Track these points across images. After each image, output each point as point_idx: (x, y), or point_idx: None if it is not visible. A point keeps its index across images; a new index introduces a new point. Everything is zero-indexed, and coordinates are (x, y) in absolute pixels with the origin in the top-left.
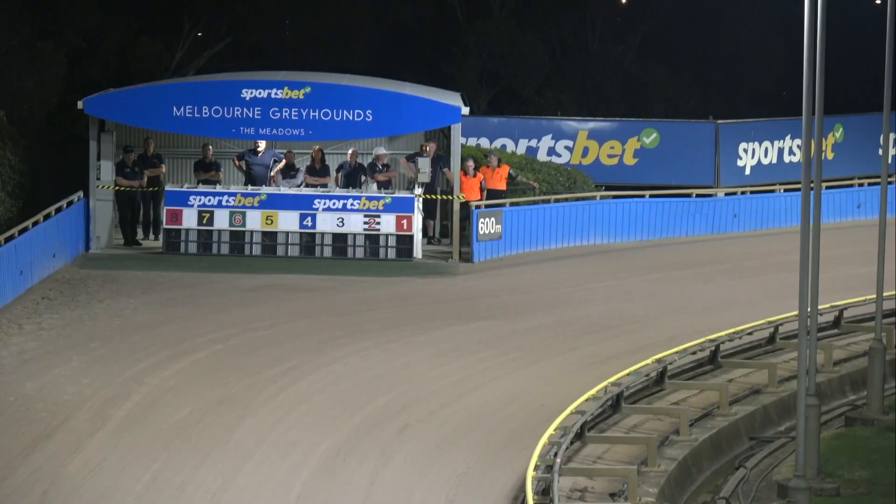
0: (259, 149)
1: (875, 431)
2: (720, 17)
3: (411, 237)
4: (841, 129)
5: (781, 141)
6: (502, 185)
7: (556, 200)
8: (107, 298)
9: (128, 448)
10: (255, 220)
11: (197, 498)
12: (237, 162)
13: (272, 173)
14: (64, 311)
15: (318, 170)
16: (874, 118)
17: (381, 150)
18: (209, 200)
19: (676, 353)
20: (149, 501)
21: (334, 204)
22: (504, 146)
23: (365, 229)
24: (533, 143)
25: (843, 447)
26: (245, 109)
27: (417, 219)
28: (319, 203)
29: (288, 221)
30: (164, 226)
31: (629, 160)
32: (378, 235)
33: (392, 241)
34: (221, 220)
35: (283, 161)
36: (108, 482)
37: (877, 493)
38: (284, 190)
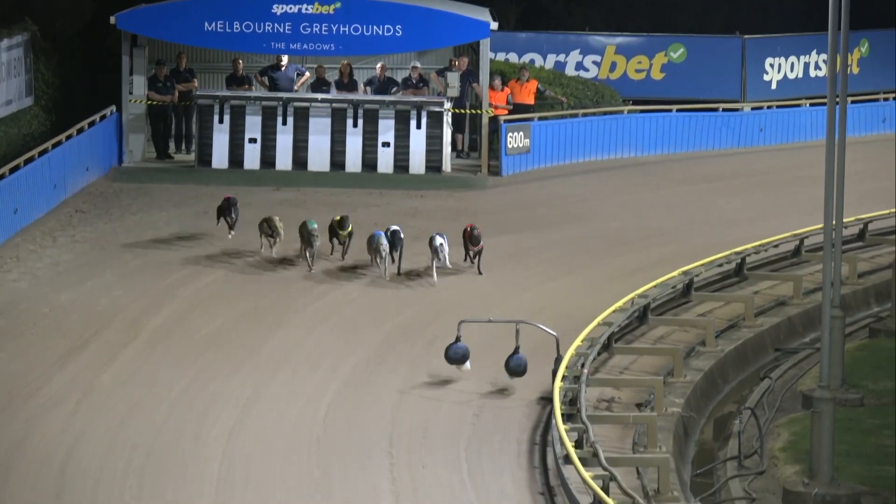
0: (282, 63)
1: None
2: None
3: (440, 150)
4: (867, 44)
5: (807, 56)
6: (531, 100)
7: (584, 114)
8: (139, 211)
9: (160, 358)
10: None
11: (229, 407)
12: (259, 78)
13: (296, 87)
14: (97, 223)
15: (346, 84)
16: None
17: (417, 63)
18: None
19: (703, 265)
20: (181, 410)
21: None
22: (532, 61)
23: (395, 142)
24: (561, 57)
25: (866, 358)
26: (275, 24)
27: (447, 132)
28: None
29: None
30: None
31: (656, 75)
32: (407, 148)
33: (421, 155)
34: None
35: (307, 75)
36: (142, 392)
37: None
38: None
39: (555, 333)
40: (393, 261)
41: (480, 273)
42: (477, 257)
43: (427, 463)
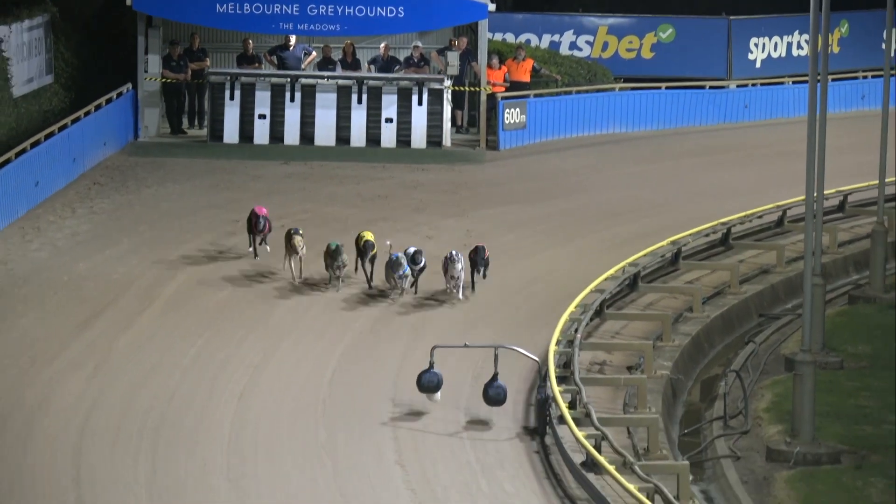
0: (290, 43)
1: (877, 309)
2: None
3: (441, 126)
4: (846, 25)
5: (790, 36)
6: (526, 78)
7: (578, 92)
8: (154, 184)
9: (174, 325)
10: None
11: (239, 372)
12: (268, 57)
13: (304, 65)
14: (114, 195)
15: (350, 63)
16: (878, 14)
17: (418, 43)
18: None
19: (690, 235)
20: (194, 375)
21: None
22: (528, 41)
23: (397, 118)
24: (555, 37)
25: (846, 324)
26: (284, 6)
27: (447, 109)
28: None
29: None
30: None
31: (646, 54)
32: (409, 123)
33: (422, 130)
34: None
35: (314, 54)
36: (156, 357)
37: (878, 367)
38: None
39: (536, 359)
40: (412, 285)
41: (484, 277)
42: (483, 269)
43: (428, 424)
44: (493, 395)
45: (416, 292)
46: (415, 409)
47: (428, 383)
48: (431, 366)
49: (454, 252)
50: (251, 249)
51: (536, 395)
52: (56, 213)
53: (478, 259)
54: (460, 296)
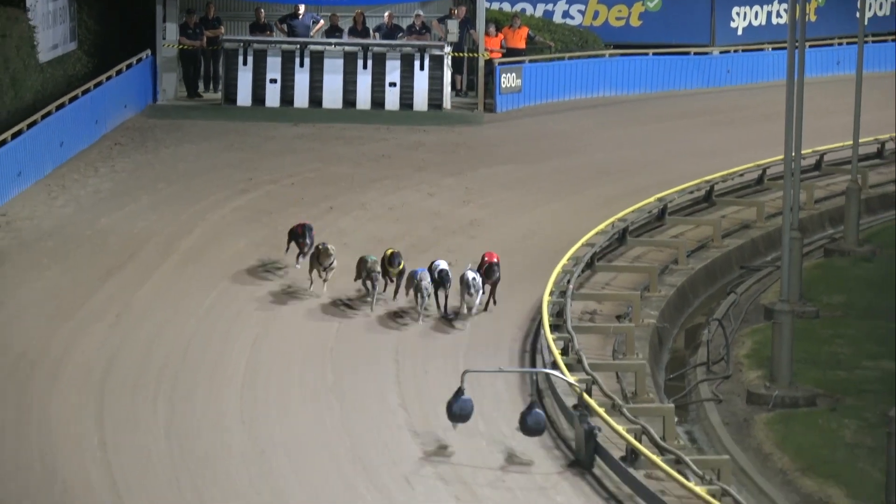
0: (299, 12)
1: (851, 261)
2: None
3: (441, 89)
4: None
5: (770, 5)
6: (522, 45)
7: (570, 58)
8: (172, 144)
9: (190, 277)
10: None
11: (251, 322)
12: (279, 25)
13: (312, 33)
14: (134, 155)
15: (359, 31)
16: None
17: (420, 12)
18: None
19: (676, 192)
20: (209, 324)
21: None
22: (523, 10)
23: (400, 82)
24: (549, 6)
25: (822, 275)
26: None
27: (447, 74)
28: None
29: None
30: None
31: (634, 22)
32: (412, 87)
33: (423, 93)
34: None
35: (322, 22)
36: (174, 307)
37: (852, 316)
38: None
39: (579, 386)
40: (437, 305)
41: (495, 303)
42: (492, 289)
43: (429, 369)
44: (533, 424)
45: (445, 314)
46: (416, 355)
47: (460, 412)
48: (462, 391)
49: (472, 277)
50: (298, 266)
51: (580, 424)
52: (80, 172)
53: (491, 277)
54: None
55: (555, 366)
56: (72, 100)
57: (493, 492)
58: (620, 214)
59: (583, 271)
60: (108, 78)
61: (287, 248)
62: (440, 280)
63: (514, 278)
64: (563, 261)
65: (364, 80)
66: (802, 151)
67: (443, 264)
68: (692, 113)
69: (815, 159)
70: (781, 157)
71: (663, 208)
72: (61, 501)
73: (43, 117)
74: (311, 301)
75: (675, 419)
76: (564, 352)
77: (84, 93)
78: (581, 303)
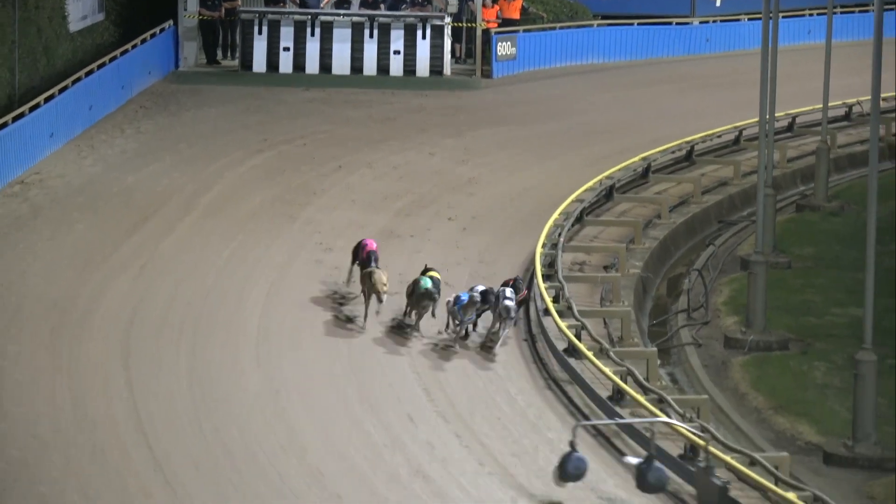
0: None
1: (820, 216)
2: None
3: (442, 57)
4: None
5: None
6: (517, 15)
7: (561, 27)
8: (192, 108)
9: (211, 230)
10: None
11: (267, 271)
12: None
13: (323, 4)
14: (158, 118)
15: (369, 3)
16: None
17: None
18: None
19: (659, 152)
20: (228, 274)
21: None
22: None
23: (404, 50)
24: None
25: (794, 229)
26: None
27: (447, 42)
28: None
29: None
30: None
31: None
32: (414, 55)
33: (425, 61)
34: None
35: None
36: (195, 258)
37: (821, 266)
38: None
39: (702, 435)
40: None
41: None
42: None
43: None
44: (654, 481)
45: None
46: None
47: (576, 471)
48: (574, 447)
49: (510, 304)
50: (346, 280)
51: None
52: (107, 133)
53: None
54: (496, 348)
55: (546, 312)
56: (100, 66)
57: (490, 429)
58: (607, 172)
59: (573, 225)
60: (134, 46)
61: (351, 270)
62: (483, 301)
63: (509, 231)
64: (555, 215)
65: (370, 49)
66: (776, 114)
67: (482, 288)
68: (674, 79)
69: (788, 121)
70: (757, 119)
71: (647, 167)
72: (91, 439)
73: (73, 83)
74: (322, 252)
75: (658, 362)
76: (556, 299)
77: (111, 60)
78: (571, 254)
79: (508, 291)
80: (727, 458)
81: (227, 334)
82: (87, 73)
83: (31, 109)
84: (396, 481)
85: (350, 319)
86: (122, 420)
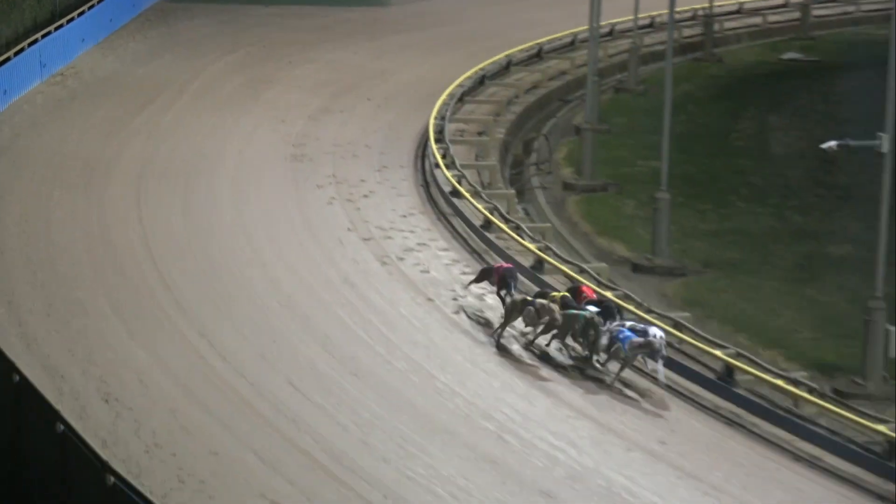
0: None
1: (631, 96)
2: None
3: None
4: None
5: None
6: None
7: None
8: (185, 20)
9: (200, 108)
10: None
11: (241, 134)
12: None
13: None
14: (160, 28)
15: None
16: None
17: None
18: None
19: (517, 51)
20: (214, 139)
21: None
22: None
23: None
24: None
25: (614, 105)
26: None
27: None
28: None
29: None
30: None
31: None
32: None
33: None
34: None
35: None
36: (188, 128)
37: (631, 132)
38: None
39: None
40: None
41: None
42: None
43: (358, 153)
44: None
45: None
46: (359, 154)
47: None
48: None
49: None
50: (469, 286)
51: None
52: (123, 38)
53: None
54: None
55: (437, 165)
56: None
57: (400, 250)
58: (481, 65)
59: (456, 103)
60: None
61: (480, 281)
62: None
63: (411, 108)
64: (443, 97)
65: None
66: (600, 23)
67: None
68: None
69: (609, 28)
70: (587, 27)
71: (509, 61)
72: (111, 254)
73: (99, 2)
74: (278, 123)
75: (516, 200)
76: (444, 156)
77: None
78: (455, 124)
79: (657, 338)
80: (563, 267)
81: (210, 180)
82: None
83: (68, 21)
84: (330, 286)
85: (298, 168)
86: (135, 242)
